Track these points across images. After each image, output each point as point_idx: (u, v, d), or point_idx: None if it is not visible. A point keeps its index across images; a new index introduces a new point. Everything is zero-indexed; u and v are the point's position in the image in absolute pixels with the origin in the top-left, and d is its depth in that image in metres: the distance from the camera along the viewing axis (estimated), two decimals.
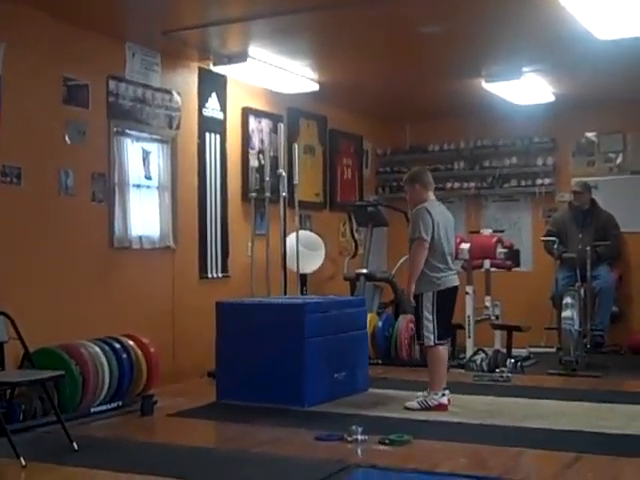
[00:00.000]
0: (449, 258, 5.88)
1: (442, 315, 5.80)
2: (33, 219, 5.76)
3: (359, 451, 4.68)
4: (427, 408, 5.70)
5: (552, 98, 8.66)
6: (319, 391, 6.03)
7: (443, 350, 5.89)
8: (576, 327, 7.39)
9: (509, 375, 7.11)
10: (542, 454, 4.61)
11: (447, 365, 6.02)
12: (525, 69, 7.65)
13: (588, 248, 7.76)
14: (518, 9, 5.83)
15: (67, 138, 6.05)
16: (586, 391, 6.52)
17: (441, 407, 5.72)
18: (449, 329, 6.26)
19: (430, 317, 5.74)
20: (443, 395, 5.78)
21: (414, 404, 5.76)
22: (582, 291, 7.63)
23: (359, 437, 4.79)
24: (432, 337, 5.76)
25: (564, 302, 7.48)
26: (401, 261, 8.68)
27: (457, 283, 5.93)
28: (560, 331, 7.54)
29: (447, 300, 5.87)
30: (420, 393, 5.86)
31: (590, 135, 9.53)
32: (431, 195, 6.06)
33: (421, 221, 5.77)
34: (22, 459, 4.34)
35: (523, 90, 8.21)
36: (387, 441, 4.75)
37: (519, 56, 7.25)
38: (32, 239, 5.74)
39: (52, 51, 5.89)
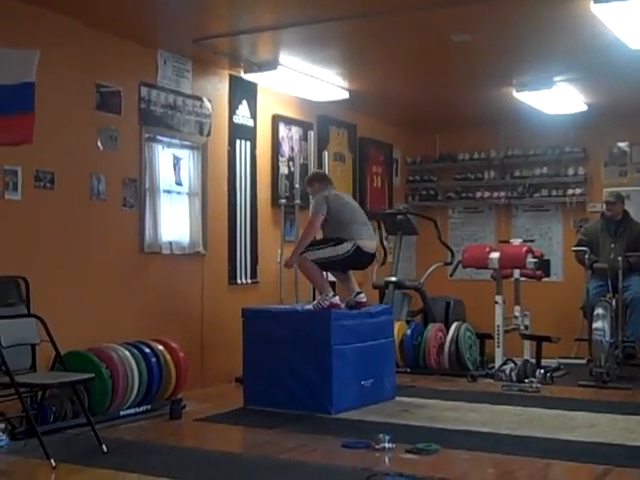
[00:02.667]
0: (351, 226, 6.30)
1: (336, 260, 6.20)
2: (65, 223, 5.82)
3: (386, 459, 4.66)
4: (321, 308, 6.12)
5: (584, 107, 8.60)
6: (346, 398, 6.02)
7: (308, 260, 6.21)
8: (607, 338, 7.30)
9: (538, 386, 7.05)
10: (571, 466, 4.56)
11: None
12: (556, 78, 7.61)
13: (620, 258, 7.69)
14: (550, 18, 5.81)
15: (99, 144, 6.12)
16: (617, 403, 6.44)
17: (334, 305, 6.14)
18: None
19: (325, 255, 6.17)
20: (334, 295, 6.21)
21: (310, 307, 6.25)
22: (613, 302, 7.55)
23: (386, 445, 4.77)
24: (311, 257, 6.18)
25: (595, 313, 7.40)
26: (431, 269, 8.66)
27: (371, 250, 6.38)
28: (591, 342, 7.45)
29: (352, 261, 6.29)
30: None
31: (622, 145, 9.45)
32: (328, 190, 6.52)
33: (314, 203, 6.41)
34: (52, 460, 4.39)
35: (554, 99, 8.17)
36: (415, 450, 4.73)
37: (551, 65, 7.22)
38: (64, 243, 5.80)
39: (85, 58, 5.97)
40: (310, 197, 6.79)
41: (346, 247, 6.17)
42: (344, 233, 6.21)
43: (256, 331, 6.26)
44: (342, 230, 6.23)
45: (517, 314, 8.22)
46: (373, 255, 6.48)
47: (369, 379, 6.26)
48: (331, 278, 6.84)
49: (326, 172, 7.74)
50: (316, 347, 6.00)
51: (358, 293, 6.42)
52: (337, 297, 6.24)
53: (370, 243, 6.39)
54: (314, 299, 7.45)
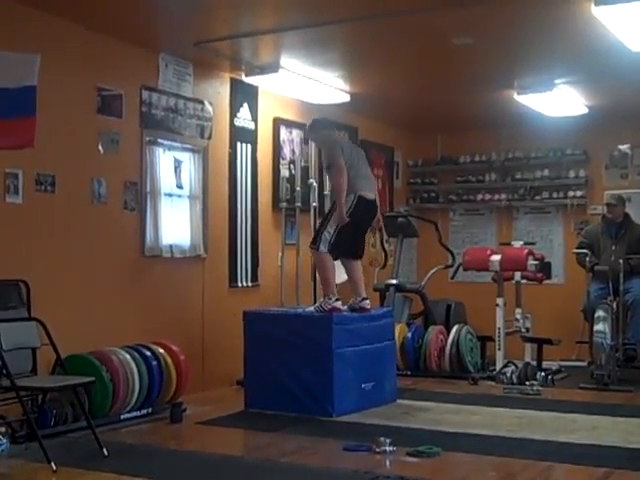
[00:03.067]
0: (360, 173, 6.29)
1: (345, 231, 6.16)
2: (66, 226, 5.83)
3: (387, 462, 4.67)
4: (322, 311, 6.14)
5: (585, 110, 8.61)
6: (347, 401, 6.01)
7: (328, 258, 6.21)
8: (608, 341, 7.30)
9: (539, 388, 7.05)
10: (572, 469, 4.55)
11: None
12: (558, 81, 7.62)
13: (621, 261, 7.69)
14: (551, 21, 5.81)
15: (100, 147, 6.12)
16: (618, 406, 6.44)
17: (335, 309, 6.15)
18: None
19: (334, 227, 6.12)
20: (337, 300, 6.19)
21: (311, 309, 6.27)
22: (614, 304, 7.55)
23: (387, 448, 4.78)
24: (325, 244, 6.14)
25: (596, 315, 7.40)
26: (431, 272, 8.67)
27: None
28: (592, 345, 7.46)
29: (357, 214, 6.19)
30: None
31: (623, 147, 9.44)
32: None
33: (328, 151, 6.33)
34: (53, 464, 4.39)
35: (555, 102, 8.17)
36: (416, 453, 4.73)
37: (552, 68, 7.22)
38: (65, 246, 5.81)
39: (86, 62, 5.97)
40: (312, 143, 6.83)
41: (348, 201, 6.13)
42: (349, 182, 6.14)
43: (257, 334, 6.26)
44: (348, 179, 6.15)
45: (518, 317, 8.22)
46: (375, 204, 6.39)
47: (370, 382, 6.26)
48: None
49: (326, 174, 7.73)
50: (317, 350, 6.00)
51: (364, 299, 6.42)
52: (340, 302, 6.24)
53: (370, 194, 6.31)
54: (315, 302, 7.48)
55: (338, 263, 7.80)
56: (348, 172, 6.15)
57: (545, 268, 8.40)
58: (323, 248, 6.16)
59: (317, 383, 5.97)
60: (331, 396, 5.92)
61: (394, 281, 8.47)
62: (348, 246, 6.34)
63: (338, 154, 6.17)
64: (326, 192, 7.67)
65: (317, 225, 6.49)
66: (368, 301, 6.48)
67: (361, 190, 6.23)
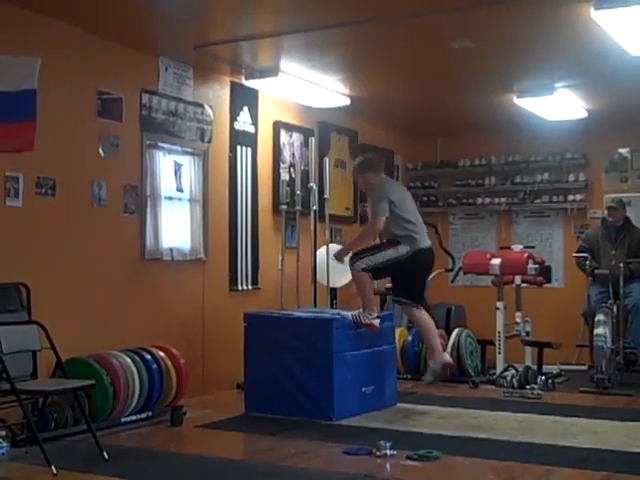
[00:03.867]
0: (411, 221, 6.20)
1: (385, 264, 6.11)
2: (66, 230, 5.83)
3: (387, 466, 4.66)
4: (358, 323, 6.07)
5: (584, 114, 8.62)
6: (347, 405, 6.01)
7: (367, 277, 6.13)
8: (609, 345, 7.30)
9: (540, 392, 7.04)
10: (572, 473, 4.55)
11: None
12: (557, 85, 7.63)
13: (621, 265, 7.69)
14: (550, 25, 5.82)
15: (101, 151, 6.12)
16: (618, 410, 6.44)
17: (371, 326, 6.08)
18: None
19: (376, 254, 6.09)
20: (377, 317, 6.13)
21: (349, 315, 6.12)
22: (615, 308, 7.55)
23: (388, 452, 4.77)
24: (364, 265, 6.07)
25: (596, 319, 7.40)
26: (431, 276, 8.64)
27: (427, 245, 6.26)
28: (592, 348, 7.45)
29: (414, 264, 6.14)
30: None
31: (623, 151, 9.45)
32: (381, 175, 6.44)
33: (373, 201, 6.17)
34: (53, 467, 4.39)
35: (555, 106, 8.18)
36: (416, 456, 4.72)
37: (551, 72, 7.23)
38: (65, 249, 5.81)
39: (86, 65, 5.98)
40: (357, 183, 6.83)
41: (402, 251, 6.06)
42: (402, 232, 6.07)
43: (258, 337, 6.25)
44: (400, 228, 6.09)
45: (518, 320, 8.21)
46: (431, 250, 6.32)
47: (370, 386, 6.25)
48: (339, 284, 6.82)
49: (326, 178, 7.73)
50: (317, 353, 6.00)
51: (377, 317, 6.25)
52: (378, 320, 6.14)
53: (426, 242, 6.24)
54: (315, 305, 7.49)
55: (338, 265, 7.83)
56: (399, 219, 6.07)
57: (545, 272, 8.40)
58: (359, 266, 6.08)
59: (317, 387, 5.96)
60: (331, 400, 5.92)
61: None
62: (409, 292, 6.26)
63: (381, 205, 6.03)
64: (326, 195, 7.67)
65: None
66: (447, 355, 6.39)
67: (418, 243, 6.12)
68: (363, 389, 6.19)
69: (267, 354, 6.18)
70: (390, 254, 6.08)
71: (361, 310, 6.15)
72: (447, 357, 6.35)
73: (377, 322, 6.12)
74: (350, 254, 6.21)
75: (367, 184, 6.41)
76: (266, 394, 6.13)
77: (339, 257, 6.33)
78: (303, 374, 6.02)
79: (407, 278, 6.23)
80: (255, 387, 6.22)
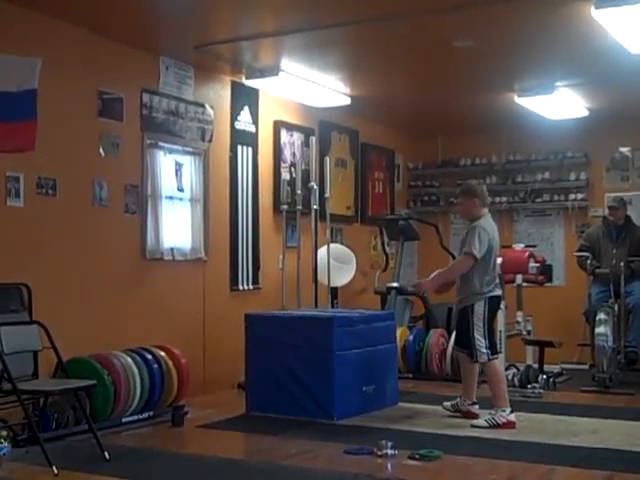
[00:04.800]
0: (495, 272, 5.93)
1: (491, 328, 5.83)
2: (67, 230, 5.83)
3: (389, 466, 4.66)
4: (495, 426, 5.58)
5: (585, 113, 8.61)
6: (348, 404, 6.01)
7: (499, 364, 5.85)
8: (610, 343, 7.30)
9: (541, 391, 7.04)
10: (574, 472, 4.54)
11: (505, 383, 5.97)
12: (558, 84, 7.62)
13: (622, 264, 7.68)
14: (551, 24, 5.82)
15: (101, 150, 6.12)
16: (620, 409, 6.44)
17: (509, 425, 5.60)
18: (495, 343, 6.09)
19: (481, 331, 5.73)
20: (511, 412, 5.67)
21: (482, 422, 5.65)
22: (616, 307, 7.54)
23: (389, 451, 4.77)
24: (485, 352, 5.73)
25: (598, 318, 7.39)
26: (432, 275, 8.64)
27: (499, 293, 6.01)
28: (593, 347, 7.45)
29: (493, 313, 5.92)
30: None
31: (624, 150, 9.44)
32: (486, 210, 6.00)
33: (477, 238, 5.73)
34: (54, 467, 4.38)
35: (556, 105, 8.17)
36: (417, 456, 4.72)
37: (552, 71, 7.22)
38: (66, 249, 5.81)
39: (87, 65, 5.98)
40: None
41: (482, 304, 5.75)
42: (484, 287, 5.76)
43: (259, 336, 6.25)
44: (483, 281, 5.75)
45: (519, 319, 8.21)
46: (501, 298, 6.06)
47: (371, 385, 6.25)
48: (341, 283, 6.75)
49: (327, 177, 7.73)
50: (318, 352, 5.99)
51: (474, 403, 6.00)
52: (514, 414, 5.67)
53: (498, 290, 5.93)
54: (316, 305, 7.49)
55: (339, 265, 7.82)
56: (488, 269, 5.76)
57: (546, 271, 8.40)
58: (483, 358, 5.75)
59: (318, 386, 5.96)
60: (332, 399, 5.92)
61: (395, 284, 8.47)
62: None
63: (481, 243, 5.68)
64: (327, 195, 7.66)
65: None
66: (477, 406, 5.96)
67: (491, 292, 5.82)
68: (364, 388, 6.18)
69: (268, 354, 6.18)
70: (478, 310, 5.74)
71: (494, 410, 5.68)
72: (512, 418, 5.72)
73: (513, 417, 5.63)
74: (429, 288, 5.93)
75: (468, 210, 5.96)
76: (267, 394, 6.13)
77: (421, 289, 5.93)
78: (304, 373, 6.02)
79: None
80: (256, 387, 6.22)
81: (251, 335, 6.29)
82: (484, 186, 6.32)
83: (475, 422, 5.70)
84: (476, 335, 5.73)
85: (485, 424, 5.62)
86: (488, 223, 5.92)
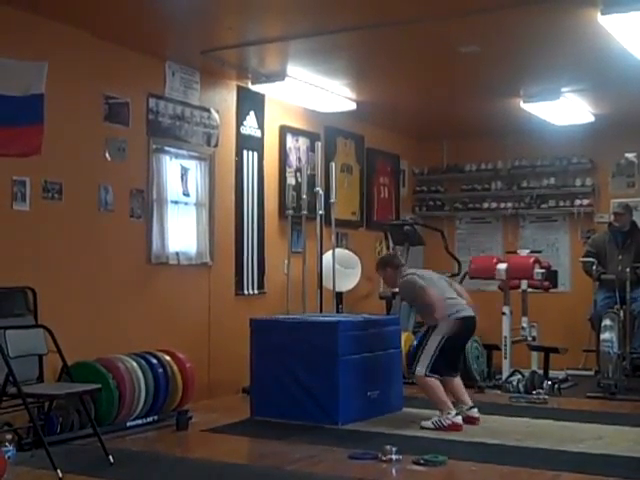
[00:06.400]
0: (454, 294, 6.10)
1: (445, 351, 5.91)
2: (73, 234, 5.84)
3: (393, 471, 4.66)
4: (441, 428, 5.72)
5: (591, 119, 8.60)
6: (353, 409, 6.01)
7: (431, 380, 5.91)
8: (615, 350, 7.28)
9: (546, 397, 7.02)
10: (579, 478, 4.52)
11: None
12: (564, 89, 7.62)
13: (628, 269, 7.67)
14: (557, 29, 5.82)
15: (107, 155, 6.14)
16: (625, 415, 6.42)
17: (455, 426, 5.73)
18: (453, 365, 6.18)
19: (432, 351, 5.87)
20: (457, 414, 5.81)
21: (429, 424, 5.78)
22: (621, 313, 7.52)
23: (393, 457, 4.76)
24: (425, 368, 5.87)
25: (603, 324, 7.38)
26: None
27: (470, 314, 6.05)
28: (599, 353, 7.44)
29: (458, 337, 6.00)
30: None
31: (630, 156, 9.42)
32: (404, 268, 6.37)
33: (416, 289, 6.01)
34: (59, 471, 4.39)
35: (562, 110, 8.17)
36: (422, 461, 4.72)
37: (558, 76, 7.22)
38: (72, 254, 5.82)
39: (94, 70, 6.00)
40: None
41: (445, 328, 5.87)
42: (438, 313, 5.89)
43: (264, 341, 6.26)
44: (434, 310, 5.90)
45: (524, 325, 8.20)
46: (474, 319, 6.07)
47: (376, 390, 6.25)
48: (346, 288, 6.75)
49: (332, 183, 7.73)
50: (323, 358, 5.99)
51: (471, 407, 6.05)
52: (460, 416, 5.82)
53: (466, 312, 6.00)
54: (321, 310, 7.49)
55: (344, 270, 7.82)
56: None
57: (551, 277, 8.39)
58: (420, 370, 5.87)
59: (323, 391, 5.96)
60: (337, 404, 5.91)
61: None
62: (448, 363, 6.00)
63: (424, 293, 5.92)
64: (332, 200, 7.66)
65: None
66: (476, 409, 6.05)
67: (460, 312, 5.95)
68: (369, 393, 6.18)
69: (273, 358, 6.18)
70: (437, 337, 5.86)
71: (439, 414, 5.82)
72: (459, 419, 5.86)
73: (459, 419, 5.78)
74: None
75: (390, 280, 6.42)
76: (272, 398, 6.13)
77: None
78: (309, 378, 6.01)
79: (450, 350, 5.96)
80: (261, 391, 6.22)
81: (256, 340, 6.29)
82: (389, 254, 7.21)
83: (423, 423, 5.81)
84: (425, 352, 5.88)
85: (432, 426, 5.74)
86: (407, 274, 6.20)
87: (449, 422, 5.74)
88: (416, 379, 6.01)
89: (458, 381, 6.15)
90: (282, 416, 6.00)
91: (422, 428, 5.76)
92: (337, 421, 5.87)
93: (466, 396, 6.11)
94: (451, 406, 5.85)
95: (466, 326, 6.02)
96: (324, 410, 5.92)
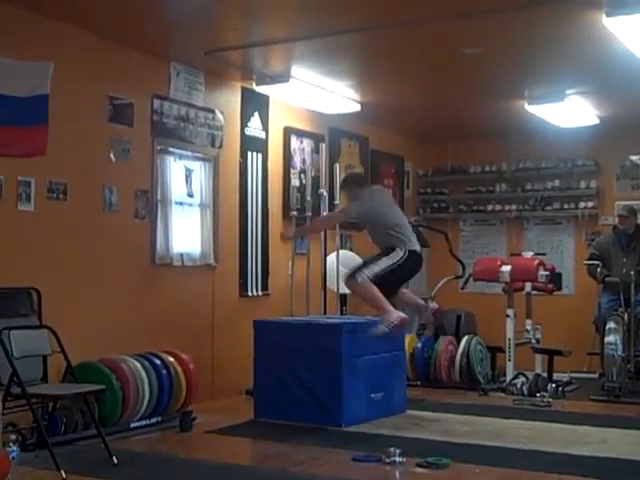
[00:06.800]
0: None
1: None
2: (77, 234, 5.85)
3: (397, 473, 4.65)
4: (393, 326, 5.94)
5: (596, 121, 8.59)
6: (356, 411, 6.00)
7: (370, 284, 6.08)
8: (619, 352, 7.27)
9: (550, 400, 7.01)
10: None
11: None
12: (569, 91, 7.61)
13: (632, 272, 7.65)
14: (562, 31, 5.81)
15: (112, 156, 6.14)
16: (629, 418, 6.40)
17: (402, 320, 5.99)
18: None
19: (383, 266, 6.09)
20: (399, 311, 6.08)
21: (381, 329, 5.96)
22: (626, 316, 7.51)
23: (397, 459, 4.76)
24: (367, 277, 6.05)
25: (607, 327, 7.37)
26: (442, 282, 8.65)
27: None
28: (603, 356, 7.42)
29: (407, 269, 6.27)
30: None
31: (635, 158, 9.39)
32: (364, 190, 6.55)
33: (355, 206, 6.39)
34: (62, 472, 4.39)
35: (566, 112, 8.16)
36: (425, 464, 4.71)
37: (563, 78, 7.21)
38: (76, 254, 5.82)
39: (98, 70, 6.00)
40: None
41: (397, 255, 6.13)
42: (394, 234, 6.21)
43: (267, 343, 6.25)
44: (392, 232, 6.21)
45: (528, 328, 8.18)
46: (421, 256, 6.42)
47: (379, 392, 6.24)
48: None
49: (337, 184, 7.75)
50: (327, 359, 5.99)
51: (427, 301, 6.45)
52: (402, 311, 6.11)
53: (418, 247, 6.35)
54: (325, 312, 7.48)
55: (347, 271, 7.80)
56: (388, 222, 6.22)
57: (556, 279, 8.38)
58: (366, 275, 6.04)
59: (326, 392, 5.96)
60: (340, 406, 5.91)
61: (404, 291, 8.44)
62: (391, 288, 6.25)
63: (357, 206, 6.29)
64: (337, 202, 7.65)
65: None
66: (432, 303, 6.46)
67: (411, 245, 6.24)
68: (372, 395, 6.17)
69: (276, 360, 6.17)
70: (387, 262, 6.11)
71: (383, 316, 6.03)
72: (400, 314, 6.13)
73: (402, 313, 6.06)
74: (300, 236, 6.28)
75: (351, 196, 6.59)
76: (275, 400, 6.13)
77: (292, 236, 6.41)
78: (312, 380, 6.01)
79: (396, 283, 6.30)
80: (264, 393, 6.22)
81: (259, 341, 6.29)
82: (356, 173, 7.34)
83: (374, 331, 5.98)
84: (373, 266, 6.06)
85: (385, 329, 5.95)
86: (368, 192, 6.52)
87: (396, 318, 5.94)
88: (356, 282, 6.09)
89: (405, 290, 6.47)
90: (285, 418, 5.99)
91: (376, 334, 5.95)
92: (340, 423, 5.86)
93: (417, 297, 6.50)
94: (389, 305, 6.03)
95: (417, 261, 6.33)
96: (327, 412, 5.91)
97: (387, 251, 6.18)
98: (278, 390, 6.12)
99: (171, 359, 5.95)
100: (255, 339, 6.30)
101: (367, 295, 6.14)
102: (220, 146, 7.23)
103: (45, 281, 5.44)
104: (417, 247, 6.33)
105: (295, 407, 6.01)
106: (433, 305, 6.44)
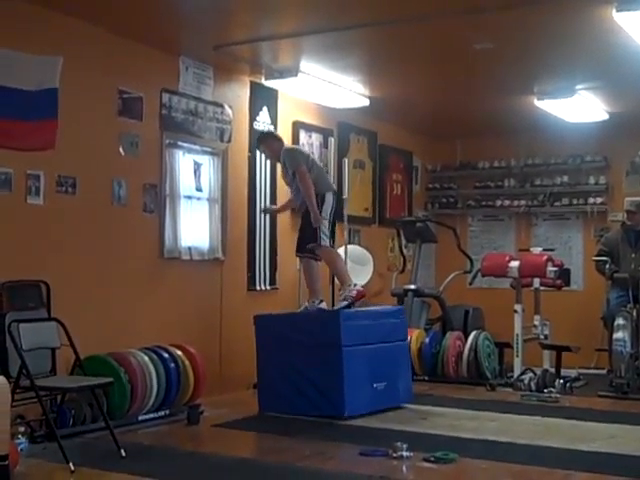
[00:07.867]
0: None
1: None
2: (86, 228, 5.86)
3: (404, 468, 4.65)
4: (352, 299, 6.21)
5: (605, 116, 8.56)
6: (359, 400, 5.99)
7: (333, 249, 6.45)
8: (628, 349, 7.24)
9: (558, 396, 7.00)
10: (590, 477, 4.51)
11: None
12: (578, 87, 7.58)
13: None
14: (572, 27, 5.79)
15: (121, 149, 6.16)
16: (637, 414, 6.38)
17: (360, 294, 6.28)
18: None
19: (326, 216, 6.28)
20: (355, 285, 6.31)
21: (342, 304, 6.21)
22: (634, 312, 7.48)
23: (404, 453, 4.76)
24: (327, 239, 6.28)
25: (616, 323, 7.35)
26: (450, 278, 8.65)
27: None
28: (611, 352, 7.40)
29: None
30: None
31: None
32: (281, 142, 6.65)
33: (291, 156, 6.41)
34: (71, 464, 4.41)
35: (576, 108, 8.14)
36: (432, 458, 4.71)
37: (572, 74, 7.19)
38: (85, 248, 5.84)
39: (108, 64, 6.01)
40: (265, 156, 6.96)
41: (329, 200, 6.32)
42: (324, 180, 6.45)
43: (268, 337, 6.27)
44: (322, 178, 6.43)
45: (537, 323, 8.18)
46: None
47: (382, 382, 6.23)
48: None
49: (345, 179, 7.77)
50: (326, 349, 5.99)
51: (321, 301, 6.45)
52: (358, 285, 6.36)
53: (334, 186, 6.66)
54: (333, 305, 7.48)
55: (356, 266, 7.82)
56: (313, 173, 6.34)
57: (564, 275, 8.36)
58: (326, 242, 6.26)
59: (328, 382, 5.96)
60: (342, 395, 5.90)
61: (412, 286, 8.45)
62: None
63: (299, 160, 6.34)
64: (345, 196, 7.66)
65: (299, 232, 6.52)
66: (325, 303, 6.51)
67: (332, 187, 6.53)
68: (375, 385, 6.16)
69: (278, 353, 6.19)
70: (326, 209, 6.27)
71: (344, 289, 6.29)
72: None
73: (359, 287, 6.32)
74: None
75: (272, 151, 6.57)
76: (279, 393, 6.14)
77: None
78: (313, 370, 6.02)
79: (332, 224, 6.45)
80: (267, 387, 6.23)
81: (259, 336, 6.30)
82: (268, 130, 7.35)
83: (337, 306, 6.29)
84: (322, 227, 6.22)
85: (346, 302, 6.19)
86: (289, 146, 6.85)
87: (355, 292, 6.22)
88: (322, 250, 6.28)
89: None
90: (290, 410, 6.00)
91: (340, 309, 6.16)
92: (343, 412, 5.85)
93: (320, 286, 6.57)
94: (351, 278, 6.37)
95: (339, 199, 6.67)
96: (330, 401, 5.91)
97: (320, 203, 6.26)
98: (281, 383, 6.13)
99: (179, 352, 5.97)
100: (256, 334, 6.31)
101: (333, 262, 6.46)
102: (229, 140, 7.23)
103: (54, 274, 5.46)
104: (334, 186, 6.64)
105: (299, 399, 6.02)
106: (324, 305, 6.48)
